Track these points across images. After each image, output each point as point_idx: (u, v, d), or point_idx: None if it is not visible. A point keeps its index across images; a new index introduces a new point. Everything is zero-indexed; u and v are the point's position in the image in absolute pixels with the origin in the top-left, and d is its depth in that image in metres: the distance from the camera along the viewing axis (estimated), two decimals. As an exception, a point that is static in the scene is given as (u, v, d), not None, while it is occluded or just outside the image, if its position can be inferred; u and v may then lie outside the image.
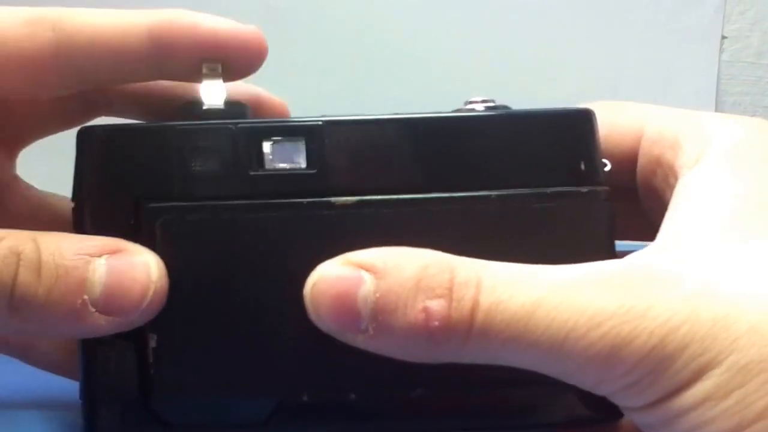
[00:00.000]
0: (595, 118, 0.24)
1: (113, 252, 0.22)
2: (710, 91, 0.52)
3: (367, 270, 0.21)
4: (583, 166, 0.23)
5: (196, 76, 0.25)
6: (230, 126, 0.23)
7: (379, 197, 0.23)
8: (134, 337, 0.22)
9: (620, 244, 0.26)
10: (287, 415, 0.23)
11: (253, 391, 0.22)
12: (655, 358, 0.20)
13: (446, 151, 0.23)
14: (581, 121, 0.24)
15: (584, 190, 0.23)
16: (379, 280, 0.21)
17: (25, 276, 0.21)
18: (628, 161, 0.26)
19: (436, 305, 0.21)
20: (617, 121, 0.27)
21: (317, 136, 0.23)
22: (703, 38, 0.51)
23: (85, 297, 0.21)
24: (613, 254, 0.23)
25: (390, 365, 0.21)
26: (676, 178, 0.24)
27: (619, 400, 0.21)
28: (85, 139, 0.23)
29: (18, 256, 0.21)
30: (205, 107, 0.24)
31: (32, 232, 0.22)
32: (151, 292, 0.22)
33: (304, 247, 0.22)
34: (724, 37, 0.52)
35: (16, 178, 0.28)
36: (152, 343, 0.22)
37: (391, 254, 0.21)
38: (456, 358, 0.21)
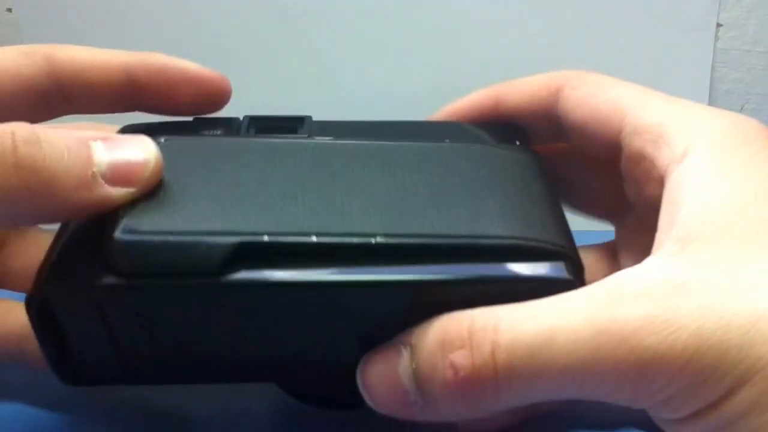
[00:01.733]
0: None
1: (106, 138, 0.23)
2: (704, 79, 0.52)
3: (403, 345, 0.22)
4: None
5: (169, 109, 0.29)
6: (237, 118, 0.28)
7: (350, 141, 0.27)
8: None
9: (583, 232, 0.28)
10: (246, 261, 0.23)
11: (213, 227, 0.23)
12: (692, 369, 0.19)
13: (401, 133, 0.28)
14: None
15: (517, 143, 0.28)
16: (413, 351, 0.22)
17: (24, 147, 0.21)
18: (609, 146, 0.27)
19: (459, 357, 0.21)
20: (597, 106, 0.27)
21: (305, 121, 0.28)
22: (698, 26, 0.51)
23: (95, 169, 0.22)
24: (553, 201, 0.26)
25: (351, 210, 0.23)
26: (659, 173, 0.24)
27: (659, 413, 0.21)
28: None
29: (12, 135, 0.21)
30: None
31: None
32: (153, 160, 0.23)
33: (284, 157, 0.25)
34: (719, 25, 0.52)
35: None
36: None
37: (419, 327, 0.22)
38: (500, 405, 0.21)
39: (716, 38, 0.52)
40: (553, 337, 0.20)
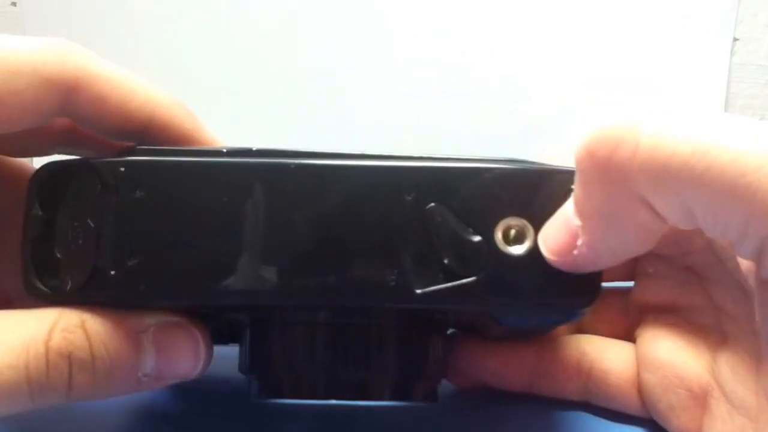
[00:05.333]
0: None
1: (158, 324, 0.23)
2: (720, 94, 0.52)
3: None
4: None
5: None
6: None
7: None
8: None
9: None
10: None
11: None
12: None
13: None
14: None
15: None
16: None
17: (79, 377, 0.21)
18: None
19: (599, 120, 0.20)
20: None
21: None
22: (714, 40, 0.51)
23: (139, 374, 0.22)
24: None
25: None
26: None
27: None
28: None
29: (69, 357, 0.21)
30: None
31: (79, 312, 0.22)
32: (201, 365, 0.23)
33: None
34: (735, 39, 0.52)
35: None
36: None
37: None
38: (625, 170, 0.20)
39: (732, 53, 0.51)
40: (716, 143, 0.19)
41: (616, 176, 0.20)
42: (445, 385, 0.30)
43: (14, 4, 0.49)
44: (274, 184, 0.22)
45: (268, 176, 0.22)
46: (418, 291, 0.22)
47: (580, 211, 0.21)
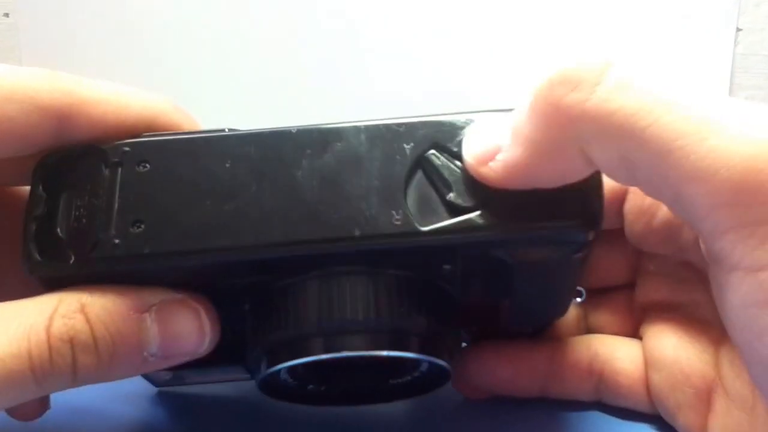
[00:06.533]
0: None
1: (160, 302, 0.23)
2: (723, 85, 0.51)
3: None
4: None
5: None
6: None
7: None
8: None
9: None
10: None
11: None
12: None
13: None
14: None
15: None
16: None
17: (83, 359, 0.22)
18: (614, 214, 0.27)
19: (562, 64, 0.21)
20: None
21: None
22: (717, 30, 0.50)
23: (145, 353, 0.22)
24: None
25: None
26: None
27: (733, 247, 0.20)
28: None
29: (71, 342, 0.22)
30: None
31: (78, 297, 0.22)
32: (207, 341, 0.23)
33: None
34: (738, 30, 0.51)
35: None
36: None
37: None
38: (582, 112, 0.20)
39: (735, 43, 0.51)
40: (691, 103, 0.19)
41: (562, 115, 0.20)
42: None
43: (7, 15, 0.49)
44: (277, 147, 0.23)
45: (271, 141, 0.23)
46: (424, 229, 0.22)
47: (515, 133, 0.22)
